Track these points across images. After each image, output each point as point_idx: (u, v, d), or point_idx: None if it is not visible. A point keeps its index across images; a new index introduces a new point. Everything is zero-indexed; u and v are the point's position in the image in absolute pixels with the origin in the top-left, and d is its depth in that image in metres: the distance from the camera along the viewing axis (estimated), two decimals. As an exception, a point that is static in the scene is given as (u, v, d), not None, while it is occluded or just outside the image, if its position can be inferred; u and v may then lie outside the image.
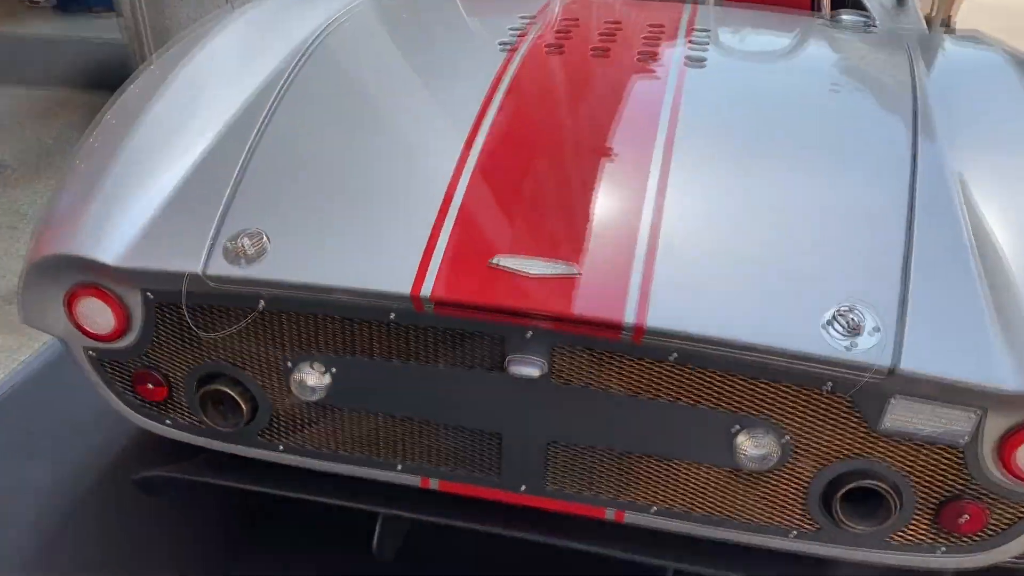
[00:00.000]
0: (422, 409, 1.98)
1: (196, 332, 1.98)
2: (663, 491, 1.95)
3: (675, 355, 1.77)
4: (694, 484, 1.92)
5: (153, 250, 1.94)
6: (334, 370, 1.97)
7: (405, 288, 1.80)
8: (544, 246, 1.84)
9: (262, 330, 1.97)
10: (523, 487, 2.02)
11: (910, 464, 1.79)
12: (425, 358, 1.91)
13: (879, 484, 1.79)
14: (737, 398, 1.80)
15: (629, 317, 1.72)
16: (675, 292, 1.75)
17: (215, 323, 1.98)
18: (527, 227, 1.89)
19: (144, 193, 2.03)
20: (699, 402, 1.82)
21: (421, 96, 2.31)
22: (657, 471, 1.93)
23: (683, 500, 1.94)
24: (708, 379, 1.80)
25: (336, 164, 2.06)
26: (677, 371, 1.80)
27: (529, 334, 1.81)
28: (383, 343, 1.92)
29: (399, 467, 2.07)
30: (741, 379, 1.78)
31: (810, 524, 1.90)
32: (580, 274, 1.78)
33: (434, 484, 2.07)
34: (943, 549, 1.87)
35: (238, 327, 1.96)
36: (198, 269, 1.90)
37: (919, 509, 1.83)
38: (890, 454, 1.79)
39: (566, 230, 1.87)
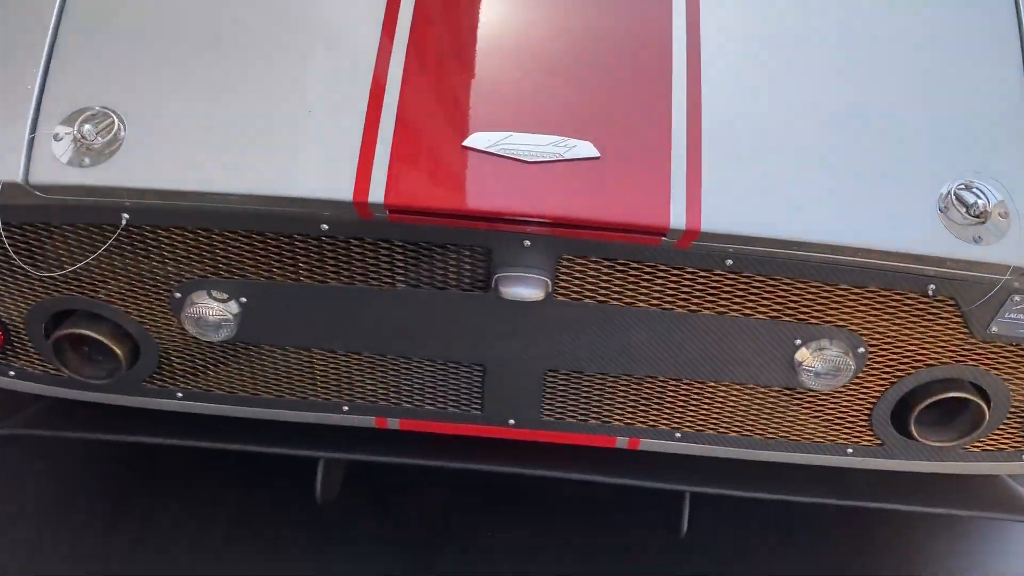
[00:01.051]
0: (374, 341, 1.46)
1: (24, 268, 1.36)
2: (692, 414, 1.53)
3: (730, 261, 1.29)
4: (733, 405, 1.51)
5: None
6: (244, 299, 1.41)
7: (343, 193, 1.22)
8: (541, 118, 1.27)
9: (131, 251, 1.36)
10: (511, 421, 1.57)
11: (1011, 369, 1.42)
12: (376, 279, 1.37)
13: (969, 395, 1.42)
14: (805, 306, 1.36)
15: (677, 218, 1.21)
16: (734, 180, 1.24)
17: (55, 249, 1.35)
18: (510, 93, 1.30)
19: None
20: (753, 314, 1.37)
21: None
22: (687, 394, 1.50)
23: (717, 422, 1.54)
24: (769, 287, 1.34)
25: (211, 14, 1.37)
26: (729, 279, 1.33)
27: (527, 243, 1.29)
28: (313, 262, 1.35)
29: (345, 408, 1.57)
30: (814, 285, 1.33)
31: (871, 439, 1.54)
32: (599, 157, 1.24)
33: (393, 424, 1.59)
34: None
35: (88, 260, 1.35)
36: (17, 175, 1.25)
37: (1011, 416, 1.49)
38: (988, 360, 1.41)
39: (568, 94, 1.30)
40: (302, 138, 1.25)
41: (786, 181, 1.25)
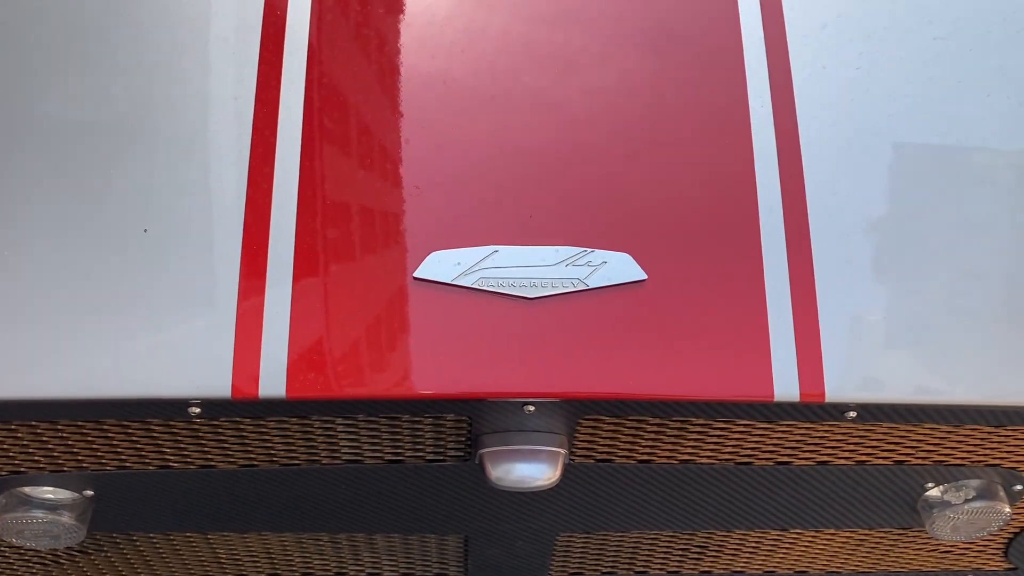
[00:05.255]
0: (292, 522, 0.98)
1: None
2: (765, 557, 1.10)
3: (854, 414, 0.82)
4: (820, 546, 1.08)
5: None
6: (89, 492, 0.91)
7: (215, 388, 0.71)
8: (540, 221, 0.75)
9: None
10: None
11: None
12: (283, 458, 0.87)
13: None
14: (942, 447, 0.91)
15: (786, 387, 0.73)
16: (868, 314, 0.76)
17: None
18: (483, 184, 0.78)
19: None
20: (870, 460, 0.92)
21: None
22: (760, 539, 1.06)
23: (796, 561, 1.11)
24: (897, 433, 0.88)
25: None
26: (841, 429, 0.87)
27: (530, 409, 0.80)
28: (182, 446, 0.86)
29: None
30: (955, 427, 0.87)
31: (1000, 564, 1.13)
32: (646, 280, 0.74)
33: (340, 591, 1.14)
34: None
35: None
36: None
37: None
38: None
39: (582, 180, 0.78)
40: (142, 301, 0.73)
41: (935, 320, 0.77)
